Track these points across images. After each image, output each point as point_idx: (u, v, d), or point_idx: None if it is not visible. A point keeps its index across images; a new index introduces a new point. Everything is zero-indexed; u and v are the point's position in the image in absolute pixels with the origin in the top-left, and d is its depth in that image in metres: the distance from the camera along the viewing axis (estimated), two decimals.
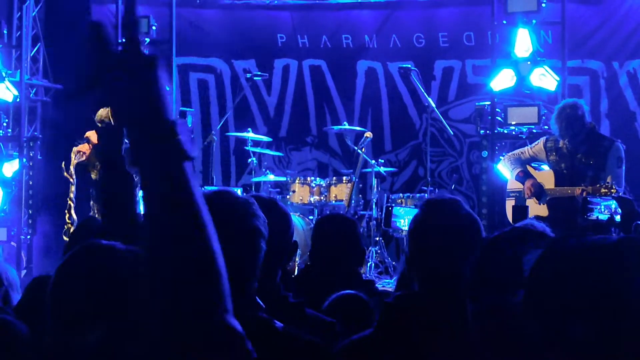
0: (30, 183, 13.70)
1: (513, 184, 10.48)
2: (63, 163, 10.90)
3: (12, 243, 13.28)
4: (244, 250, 3.06)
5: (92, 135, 10.98)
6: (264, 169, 13.33)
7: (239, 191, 12.69)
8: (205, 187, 12.67)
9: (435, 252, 3.49)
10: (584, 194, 9.40)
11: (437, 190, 12.82)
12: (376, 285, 5.40)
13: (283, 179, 13.14)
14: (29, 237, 13.60)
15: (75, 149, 10.90)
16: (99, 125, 11.03)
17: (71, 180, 10.80)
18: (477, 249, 3.16)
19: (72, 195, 10.77)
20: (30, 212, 13.67)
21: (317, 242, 5.59)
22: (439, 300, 3.38)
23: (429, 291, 3.46)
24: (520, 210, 9.73)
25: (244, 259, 3.04)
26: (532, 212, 10.10)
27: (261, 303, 3.12)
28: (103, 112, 11.16)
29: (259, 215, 3.18)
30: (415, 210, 3.51)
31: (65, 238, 10.99)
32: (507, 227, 3.11)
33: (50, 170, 13.42)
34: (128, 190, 3.98)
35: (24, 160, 13.62)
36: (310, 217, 12.57)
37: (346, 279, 5.16)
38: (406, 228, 10.98)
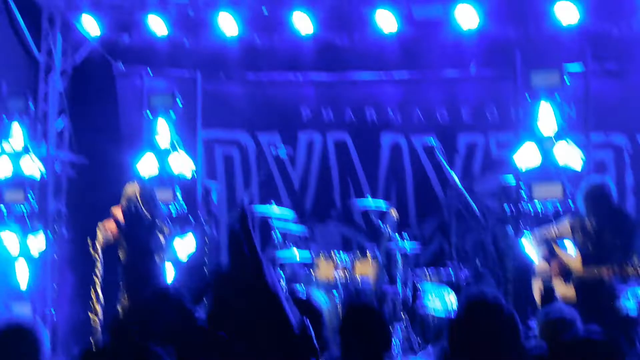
0: (56, 258, 13.80)
1: (539, 263, 10.50)
2: (88, 239, 11.01)
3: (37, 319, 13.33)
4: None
5: (117, 211, 11.10)
6: (287, 244, 13.37)
7: None
8: None
9: (474, 354, 3.56)
10: (611, 275, 9.41)
11: (462, 265, 12.80)
12: None
13: (308, 254, 13.18)
14: (53, 312, 13.63)
15: (100, 224, 11.04)
16: (124, 203, 11.18)
17: (97, 257, 10.92)
18: (515, 352, 3.35)
19: (97, 272, 10.87)
20: (55, 287, 13.75)
21: (345, 337, 5.60)
22: None
23: None
24: (548, 292, 9.75)
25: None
26: (559, 292, 10.12)
27: None
28: (129, 190, 11.32)
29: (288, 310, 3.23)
30: (444, 287, 3.62)
31: (91, 315, 11.07)
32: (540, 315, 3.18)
33: (76, 245, 13.54)
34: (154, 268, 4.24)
35: (50, 234, 13.72)
36: (335, 293, 12.61)
37: None
38: (435, 307, 10.99)
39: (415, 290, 11.15)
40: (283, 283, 12.46)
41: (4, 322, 4.74)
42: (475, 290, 3.83)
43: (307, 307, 3.82)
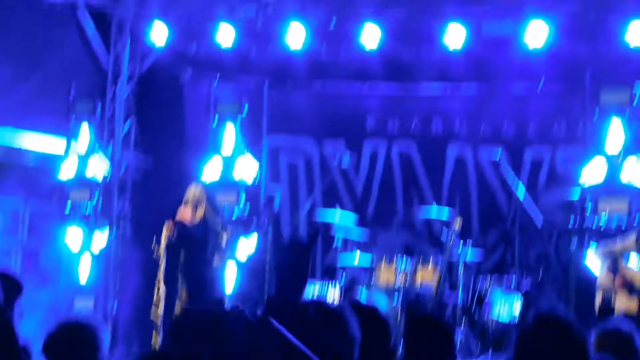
0: (118, 257, 14.00)
1: (603, 277, 10.46)
2: (154, 238, 11.13)
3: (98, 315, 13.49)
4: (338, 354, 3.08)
5: (184, 212, 11.22)
6: (349, 249, 13.47)
7: None
8: None
9: None
10: None
11: (524, 275, 12.78)
12: None
13: (368, 260, 13.23)
14: (115, 310, 13.84)
15: (168, 223, 11.16)
16: (187, 204, 11.30)
17: (160, 257, 11.04)
18: None
19: (160, 274, 10.99)
20: (117, 286, 13.96)
21: (410, 348, 5.49)
22: None
23: None
24: (606, 304, 9.72)
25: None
26: (621, 305, 10.07)
27: None
28: (193, 191, 11.44)
29: (349, 322, 3.22)
30: (510, 297, 3.64)
31: (152, 317, 11.19)
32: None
33: (139, 245, 13.69)
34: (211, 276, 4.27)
35: (113, 234, 13.94)
36: (395, 298, 12.68)
37: None
38: (502, 314, 10.96)
39: (480, 296, 11.12)
40: (336, 290, 12.46)
41: (65, 318, 4.78)
42: (547, 306, 3.83)
43: (372, 316, 3.78)
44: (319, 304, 3.13)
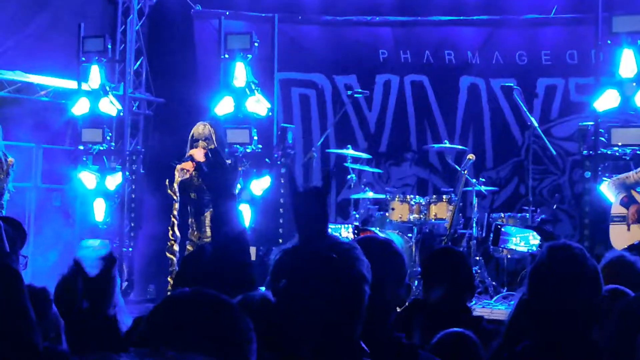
0: (133, 196, 14.09)
1: (617, 208, 10.51)
2: (167, 180, 11.22)
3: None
4: (347, 295, 3.06)
5: (195, 153, 11.28)
6: (363, 186, 13.53)
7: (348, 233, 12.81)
8: None
9: (557, 303, 3.60)
10: None
11: (538, 209, 12.84)
12: (484, 323, 5.43)
13: (382, 196, 13.30)
14: (130, 249, 13.99)
15: (179, 166, 11.22)
16: (199, 143, 11.35)
17: (174, 197, 11.12)
18: (595, 303, 3.48)
19: (175, 212, 11.08)
20: (132, 224, 14.08)
21: (428, 277, 5.62)
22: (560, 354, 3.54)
23: (547, 344, 3.61)
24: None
25: (346, 303, 3.06)
26: (636, 238, 10.13)
27: (366, 348, 3.14)
28: (200, 129, 11.49)
29: (363, 259, 3.18)
30: (526, 231, 3.68)
31: (168, 255, 11.29)
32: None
33: (152, 184, 13.82)
34: (234, 209, 4.35)
35: (127, 173, 14.02)
36: (409, 235, 12.73)
37: (455, 316, 5.22)
38: (519, 248, 11.07)
39: (499, 233, 11.17)
40: (350, 229, 12.56)
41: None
42: (560, 240, 3.84)
43: (387, 249, 3.81)
44: (333, 245, 3.13)
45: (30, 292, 3.29)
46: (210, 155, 4.47)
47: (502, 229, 11.16)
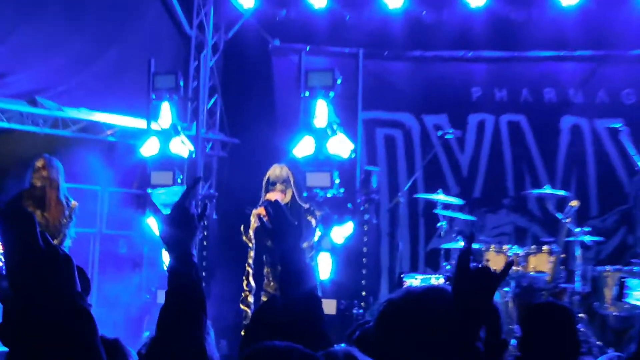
0: (205, 243, 14.00)
1: None
2: (242, 226, 11.02)
3: None
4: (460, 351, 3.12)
5: (272, 197, 11.00)
6: (454, 234, 13.30)
7: None
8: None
9: None
10: None
11: None
12: None
13: (477, 246, 12.91)
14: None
15: (255, 211, 11.00)
16: (276, 186, 11.14)
17: (250, 244, 10.91)
18: None
19: (250, 260, 10.86)
20: (204, 274, 13.92)
21: (527, 336, 5.43)
22: None
23: None
24: None
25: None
26: None
27: None
28: (277, 172, 11.27)
29: None
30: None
31: (242, 307, 11.08)
32: None
33: (226, 230, 13.74)
34: (302, 268, 4.28)
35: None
36: (506, 289, 12.39)
37: None
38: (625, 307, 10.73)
39: (623, 287, 10.81)
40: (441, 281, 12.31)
41: None
42: None
43: None
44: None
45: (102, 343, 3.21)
46: (271, 210, 4.36)
47: (626, 283, 10.80)
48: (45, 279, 2.96)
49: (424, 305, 3.16)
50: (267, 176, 11.54)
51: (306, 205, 11.05)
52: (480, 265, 3.21)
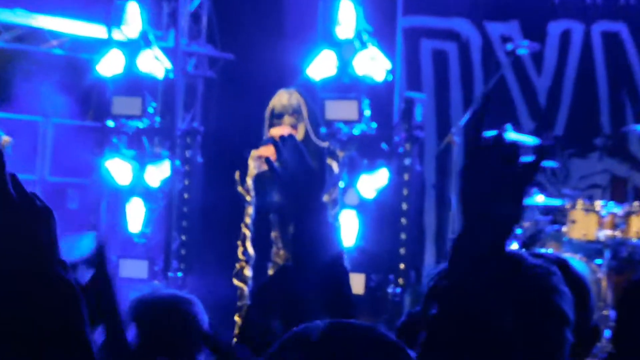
0: (186, 197, 14.05)
1: None
2: (237, 173, 11.04)
3: (156, 282, 13.50)
4: (540, 343, 3.06)
5: (278, 133, 10.97)
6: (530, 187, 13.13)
7: None
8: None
9: None
10: None
11: None
12: None
13: (558, 202, 13.18)
14: (180, 274, 13.95)
15: (255, 153, 11.02)
16: (283, 119, 11.15)
17: (248, 198, 10.96)
18: None
19: (248, 219, 10.92)
20: (184, 238, 14.02)
21: (626, 324, 5.22)
22: None
23: None
24: None
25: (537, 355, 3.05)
26: None
27: None
28: (285, 99, 11.26)
29: (563, 291, 3.11)
30: None
31: (236, 283, 11.14)
32: None
33: (216, 180, 13.75)
34: (323, 227, 4.31)
35: (177, 163, 13.99)
36: (598, 262, 12.49)
37: None
38: None
39: None
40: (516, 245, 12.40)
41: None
42: None
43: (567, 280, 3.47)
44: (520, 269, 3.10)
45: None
46: (282, 147, 4.30)
47: None
48: (15, 239, 2.80)
49: (499, 281, 3.01)
50: (271, 106, 11.59)
51: (324, 144, 11.04)
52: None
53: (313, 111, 11.72)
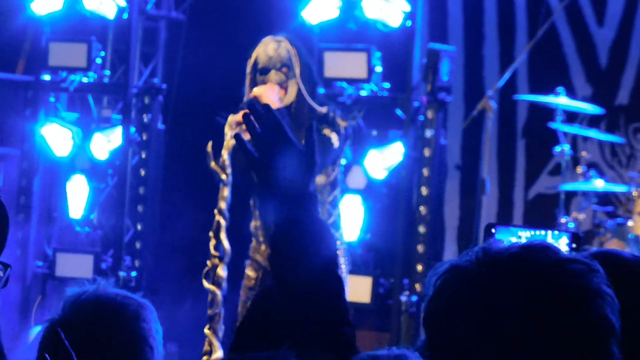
0: (143, 173, 14.06)
1: None
2: (209, 145, 10.76)
3: (99, 279, 13.27)
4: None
5: (262, 93, 10.74)
6: (584, 167, 13.22)
7: None
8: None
9: None
10: None
11: None
12: None
13: (622, 188, 13.10)
14: (134, 274, 13.95)
15: (232, 117, 10.72)
16: (269, 75, 10.90)
17: (223, 176, 10.66)
18: None
19: (223, 204, 10.64)
20: (140, 227, 14.07)
21: None
22: None
23: None
24: None
25: None
26: None
27: None
28: (271, 49, 11.02)
29: (606, 293, 3.10)
30: None
31: (207, 285, 10.85)
32: None
33: (181, 153, 13.95)
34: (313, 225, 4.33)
35: (132, 130, 13.98)
36: None
37: None
38: None
39: None
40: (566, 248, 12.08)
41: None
42: None
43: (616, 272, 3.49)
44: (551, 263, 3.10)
45: None
46: (255, 116, 4.33)
47: None
48: None
49: (526, 276, 3.06)
50: (254, 57, 11.38)
51: (323, 110, 10.77)
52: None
53: (308, 66, 11.45)
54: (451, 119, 14.71)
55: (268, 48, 11.17)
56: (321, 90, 11.99)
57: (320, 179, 10.79)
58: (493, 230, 8.55)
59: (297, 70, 11.07)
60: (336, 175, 10.87)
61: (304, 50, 11.31)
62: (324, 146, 10.74)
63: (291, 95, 10.76)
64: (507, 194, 15.24)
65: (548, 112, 13.37)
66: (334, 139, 10.75)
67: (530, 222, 14.74)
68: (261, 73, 11.10)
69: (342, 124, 10.96)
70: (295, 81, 10.84)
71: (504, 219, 15.12)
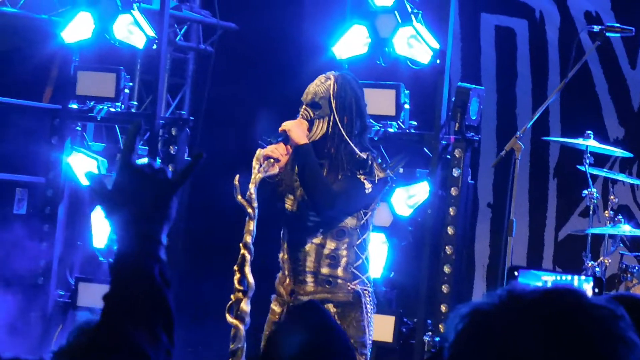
0: None
1: None
2: (236, 177, 11.18)
3: None
4: None
5: (293, 128, 11.12)
6: (612, 212, 13.31)
7: None
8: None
9: None
10: None
11: None
12: None
13: None
14: None
15: (260, 152, 11.12)
16: (303, 109, 11.30)
17: (249, 210, 11.00)
18: None
19: (248, 238, 10.93)
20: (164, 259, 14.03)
21: None
22: None
23: None
24: None
25: None
26: None
27: None
28: (313, 85, 11.45)
29: (630, 338, 3.16)
30: None
31: (230, 320, 11.23)
32: None
33: (208, 185, 13.78)
34: None
35: (158, 161, 13.63)
36: None
37: None
38: None
39: None
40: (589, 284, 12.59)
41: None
42: None
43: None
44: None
45: None
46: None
47: None
48: None
49: (548, 320, 3.14)
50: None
51: (362, 156, 10.95)
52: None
53: (349, 105, 11.48)
54: (483, 157, 14.90)
55: (314, 82, 11.48)
56: (368, 121, 12.07)
57: (351, 222, 10.89)
58: (516, 273, 9.27)
59: (332, 103, 11.38)
60: (367, 219, 11.09)
61: (349, 89, 11.60)
62: (357, 191, 11.09)
63: (317, 133, 11.03)
64: (538, 234, 15.33)
65: (579, 153, 13.21)
66: (367, 186, 11.04)
67: (559, 264, 14.84)
68: (305, 105, 11.49)
69: (379, 174, 11.22)
70: (327, 120, 11.12)
71: (534, 259, 15.15)
